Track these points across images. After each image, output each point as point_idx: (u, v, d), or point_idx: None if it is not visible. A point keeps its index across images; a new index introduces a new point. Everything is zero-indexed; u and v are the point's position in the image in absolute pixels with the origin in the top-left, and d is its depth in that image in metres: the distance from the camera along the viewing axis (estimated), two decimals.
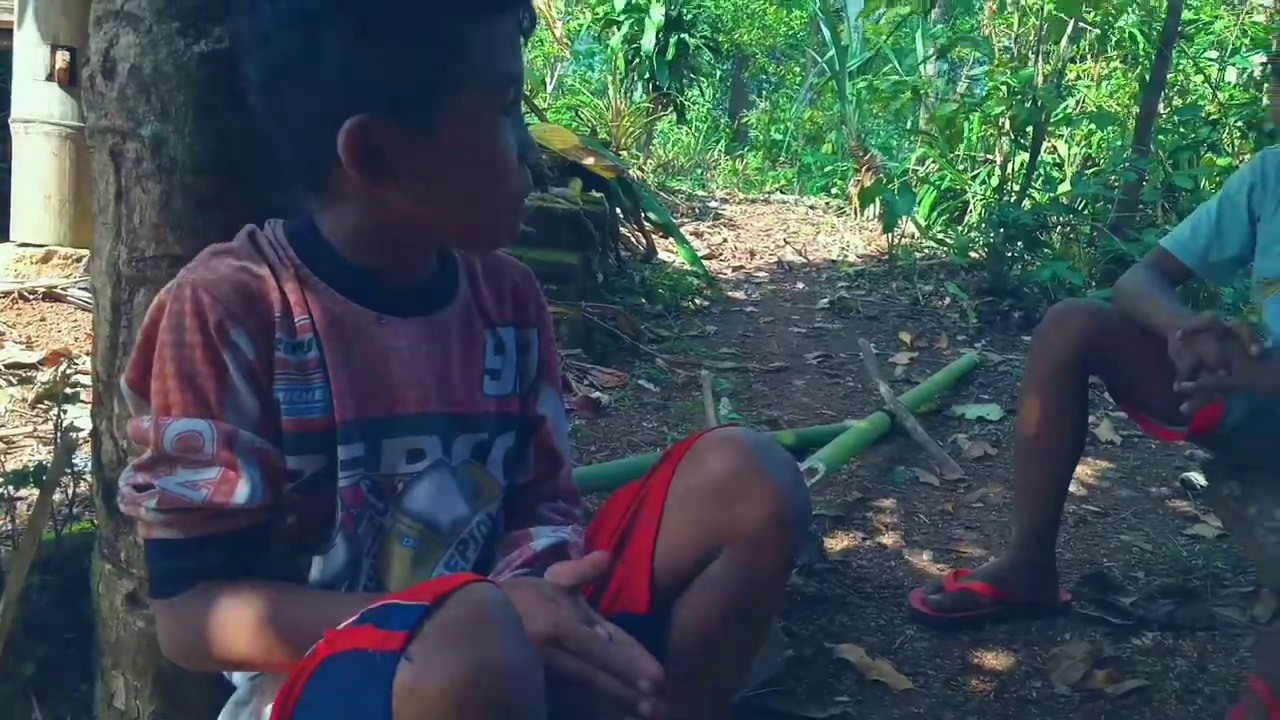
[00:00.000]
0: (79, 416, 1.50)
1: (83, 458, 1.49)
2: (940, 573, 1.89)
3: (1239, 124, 4.74)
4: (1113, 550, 2.02)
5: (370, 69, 0.80)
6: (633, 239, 4.82)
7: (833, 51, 6.22)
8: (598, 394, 2.73)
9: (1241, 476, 1.69)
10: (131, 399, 0.89)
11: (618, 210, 4.41)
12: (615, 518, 1.06)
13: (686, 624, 1.01)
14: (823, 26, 6.84)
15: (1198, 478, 2.27)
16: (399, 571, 0.93)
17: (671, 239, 4.69)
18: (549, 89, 6.81)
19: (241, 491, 0.82)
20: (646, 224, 4.60)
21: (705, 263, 5.01)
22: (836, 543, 2.02)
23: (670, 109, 6.73)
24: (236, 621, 0.81)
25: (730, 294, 4.41)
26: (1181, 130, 4.75)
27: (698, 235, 5.81)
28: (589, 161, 3.74)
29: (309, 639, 0.74)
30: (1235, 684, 1.50)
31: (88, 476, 1.40)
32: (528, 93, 4.92)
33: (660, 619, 1.02)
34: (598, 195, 3.93)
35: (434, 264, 0.97)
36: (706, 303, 4.16)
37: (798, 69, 10.58)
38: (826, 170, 7.81)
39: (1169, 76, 5.29)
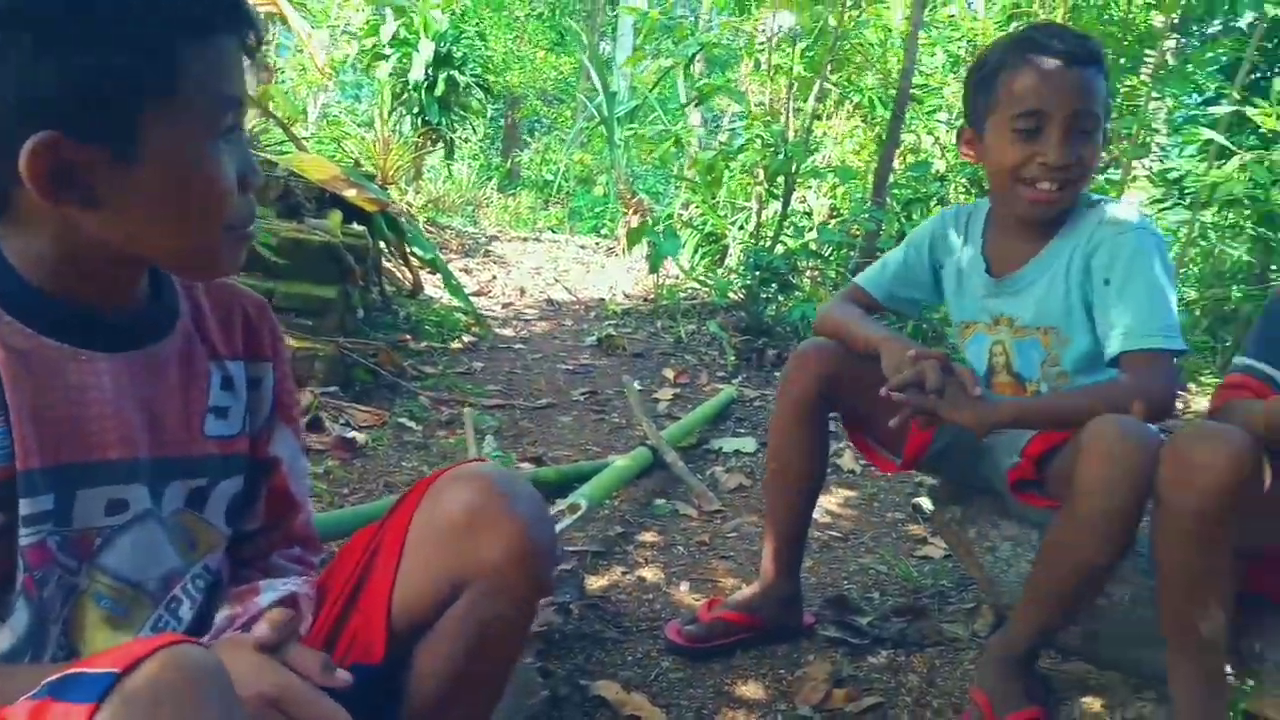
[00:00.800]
0: None
1: None
2: (696, 603, 1.93)
3: (963, 180, 5.27)
4: (853, 573, 2.14)
5: (57, 81, 0.71)
6: (399, 274, 4.70)
7: (602, 98, 6.38)
8: (354, 433, 2.62)
9: (962, 501, 1.85)
10: None
11: (382, 244, 4.29)
12: (350, 563, 1.01)
13: (428, 669, 0.97)
14: (592, 73, 7.01)
15: (926, 503, 2.46)
16: (96, 637, 0.82)
17: (440, 275, 4.61)
18: (311, 119, 6.54)
19: None
20: (413, 259, 4.50)
21: (474, 300, 4.96)
22: (597, 578, 2.03)
23: (440, 145, 6.65)
24: None
25: (499, 331, 4.38)
26: (914, 185, 5.21)
27: (467, 272, 5.75)
28: (350, 193, 3.61)
29: None
30: (960, 695, 1.61)
31: None
32: (285, 121, 4.71)
33: (400, 666, 0.97)
34: (359, 228, 3.80)
35: (145, 293, 0.89)
36: (474, 339, 4.10)
37: (569, 113, 10.77)
38: (597, 211, 7.97)
39: (903, 136, 5.82)
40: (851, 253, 4.83)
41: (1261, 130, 4.25)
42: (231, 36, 0.80)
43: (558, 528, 1.99)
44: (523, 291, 5.37)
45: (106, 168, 0.75)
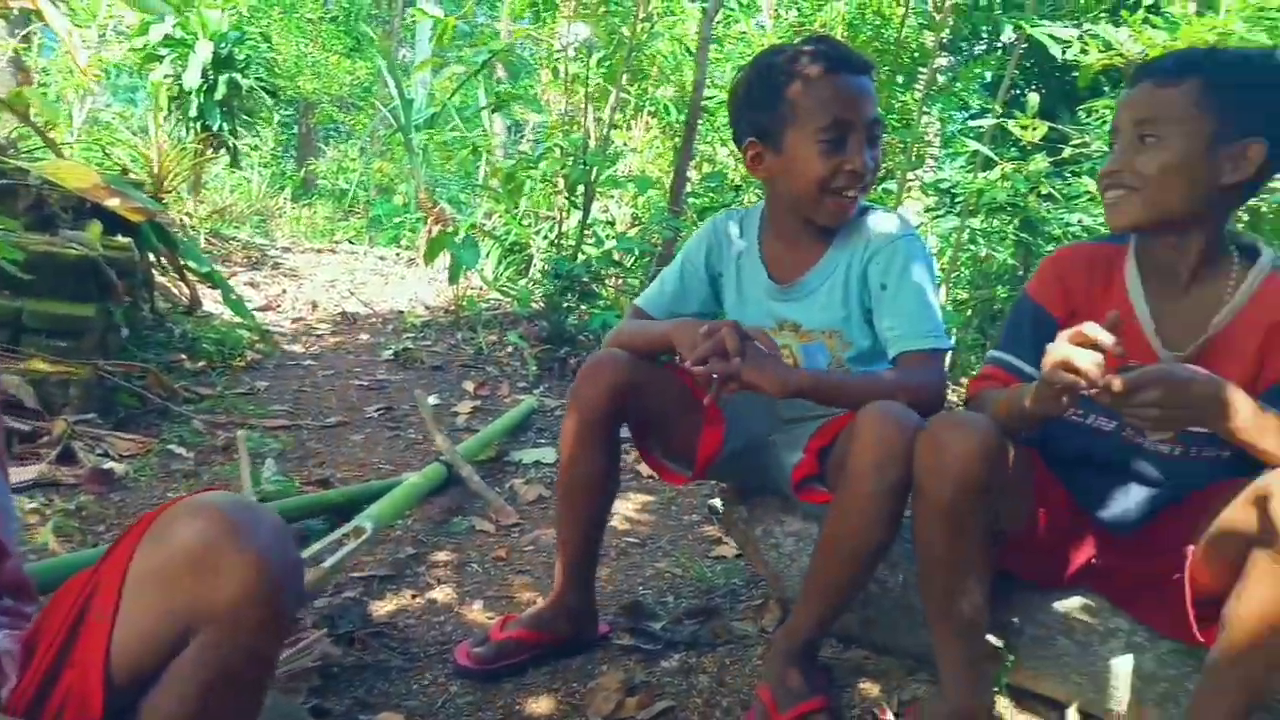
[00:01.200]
0: None
1: None
2: (490, 621, 1.87)
3: (757, 191, 5.45)
4: (649, 578, 2.14)
5: None
6: (174, 289, 4.38)
7: (398, 104, 6.18)
8: (112, 464, 2.39)
9: (748, 501, 1.88)
10: None
11: (154, 257, 3.98)
12: (62, 611, 0.89)
13: None
14: (388, 79, 6.80)
15: (718, 504, 2.50)
16: None
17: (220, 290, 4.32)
18: (76, 124, 6.01)
19: None
20: (189, 273, 4.20)
21: (262, 315, 4.68)
22: (384, 604, 1.93)
23: (223, 152, 6.26)
24: None
25: (287, 347, 4.15)
26: (711, 194, 5.34)
27: (254, 286, 5.43)
28: (113, 203, 3.31)
29: None
30: (748, 692, 1.62)
31: None
32: (43, 126, 4.30)
33: None
34: (124, 240, 3.50)
35: None
36: (259, 357, 3.86)
37: (366, 119, 10.43)
38: (397, 222, 7.73)
39: (699, 146, 5.96)
40: (651, 261, 4.88)
41: (1021, 142, 4.60)
42: None
43: (341, 553, 1.88)
44: (315, 305, 5.12)
45: None
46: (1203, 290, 1.40)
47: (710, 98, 5.71)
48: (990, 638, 1.55)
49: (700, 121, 5.09)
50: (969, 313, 5.03)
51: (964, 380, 4.28)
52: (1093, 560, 1.51)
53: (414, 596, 1.98)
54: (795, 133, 1.57)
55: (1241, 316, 1.36)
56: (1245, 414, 1.20)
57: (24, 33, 6.19)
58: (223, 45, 5.99)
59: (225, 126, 6.06)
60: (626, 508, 2.55)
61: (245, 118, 6.47)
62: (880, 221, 1.63)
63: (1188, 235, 1.38)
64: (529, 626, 1.72)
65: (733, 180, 5.56)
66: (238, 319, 3.92)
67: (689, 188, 5.26)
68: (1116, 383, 1.16)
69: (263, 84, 6.35)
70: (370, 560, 2.13)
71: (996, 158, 5.14)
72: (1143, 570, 1.44)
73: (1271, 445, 1.20)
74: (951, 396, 4.14)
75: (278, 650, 0.93)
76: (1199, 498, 1.34)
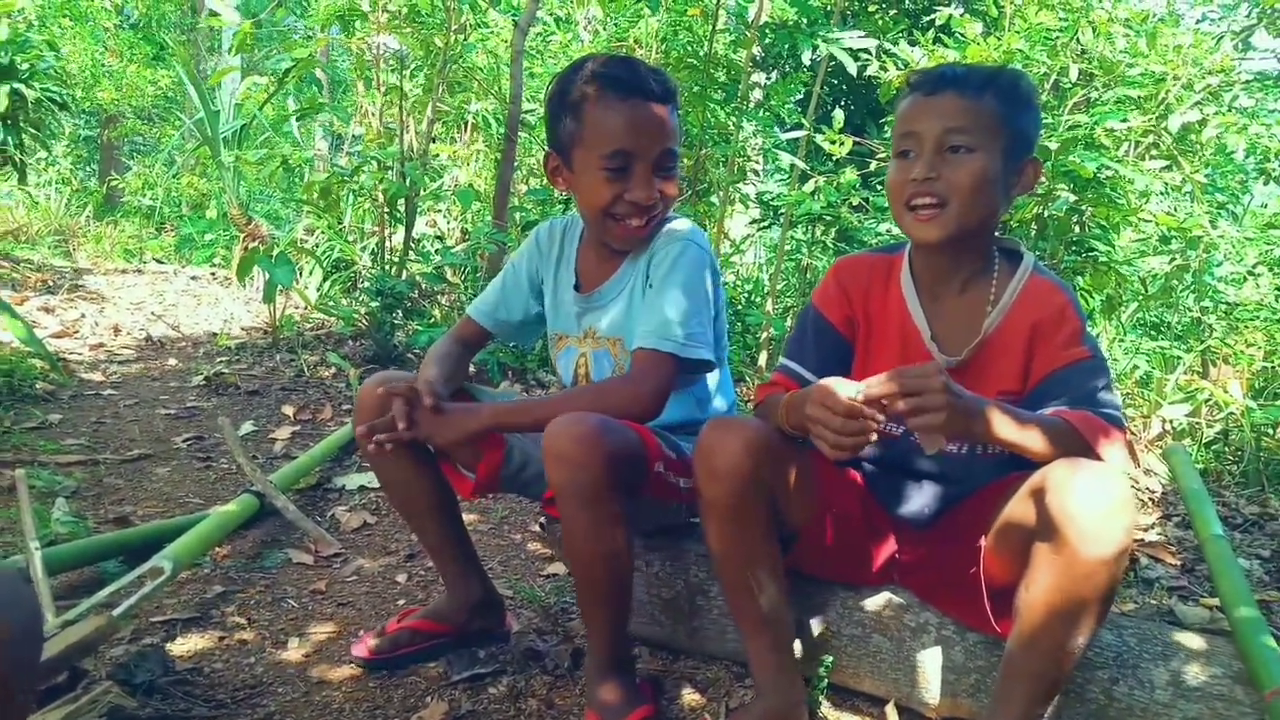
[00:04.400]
0: None
1: None
2: (305, 659, 1.78)
3: None
4: None
5: None
6: None
7: (203, 115, 5.86)
8: None
9: None
10: None
11: None
12: None
13: None
14: (190, 90, 6.43)
15: (544, 520, 2.47)
16: None
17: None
18: None
19: None
20: None
21: (56, 341, 4.33)
22: (187, 647, 1.80)
23: (8, 168, 5.75)
24: None
25: (85, 376, 3.85)
26: (537, 207, 5.31)
27: (49, 311, 5.02)
28: None
29: None
30: (579, 714, 1.60)
31: None
32: None
33: None
34: None
35: None
36: (51, 388, 3.56)
37: (173, 132, 9.84)
38: (210, 239, 7.32)
39: (525, 159, 5.93)
40: (480, 276, 4.81)
41: (833, 156, 4.79)
42: None
43: (137, 596, 1.74)
44: (118, 330, 4.78)
45: None
46: (972, 295, 1.48)
47: (530, 111, 5.69)
48: (807, 639, 1.59)
49: (522, 134, 5.06)
50: (793, 321, 5.19)
51: None
52: (896, 555, 1.58)
53: (221, 639, 1.85)
54: (583, 154, 1.57)
55: (1009, 318, 1.44)
56: (1006, 424, 1.25)
57: None
58: (3, 54, 5.50)
59: (10, 140, 5.56)
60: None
61: (33, 131, 5.96)
62: (670, 226, 1.65)
63: (968, 244, 1.45)
64: (427, 618, 1.78)
65: (560, 194, 5.56)
66: (26, 347, 3.60)
67: (515, 201, 5.22)
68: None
69: (51, 95, 5.87)
70: (173, 603, 1.99)
71: (810, 171, 5.35)
72: (942, 564, 1.51)
73: (1038, 446, 1.26)
74: None
75: (11, 712, 0.84)
76: (988, 492, 1.41)
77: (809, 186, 5.27)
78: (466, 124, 5.76)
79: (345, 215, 5.85)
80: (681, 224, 1.65)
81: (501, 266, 4.83)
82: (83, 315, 5.00)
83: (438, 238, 5.79)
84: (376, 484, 2.80)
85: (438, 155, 5.67)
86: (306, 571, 2.22)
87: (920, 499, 1.54)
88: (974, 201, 1.37)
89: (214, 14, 5.14)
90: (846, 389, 1.23)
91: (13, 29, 5.57)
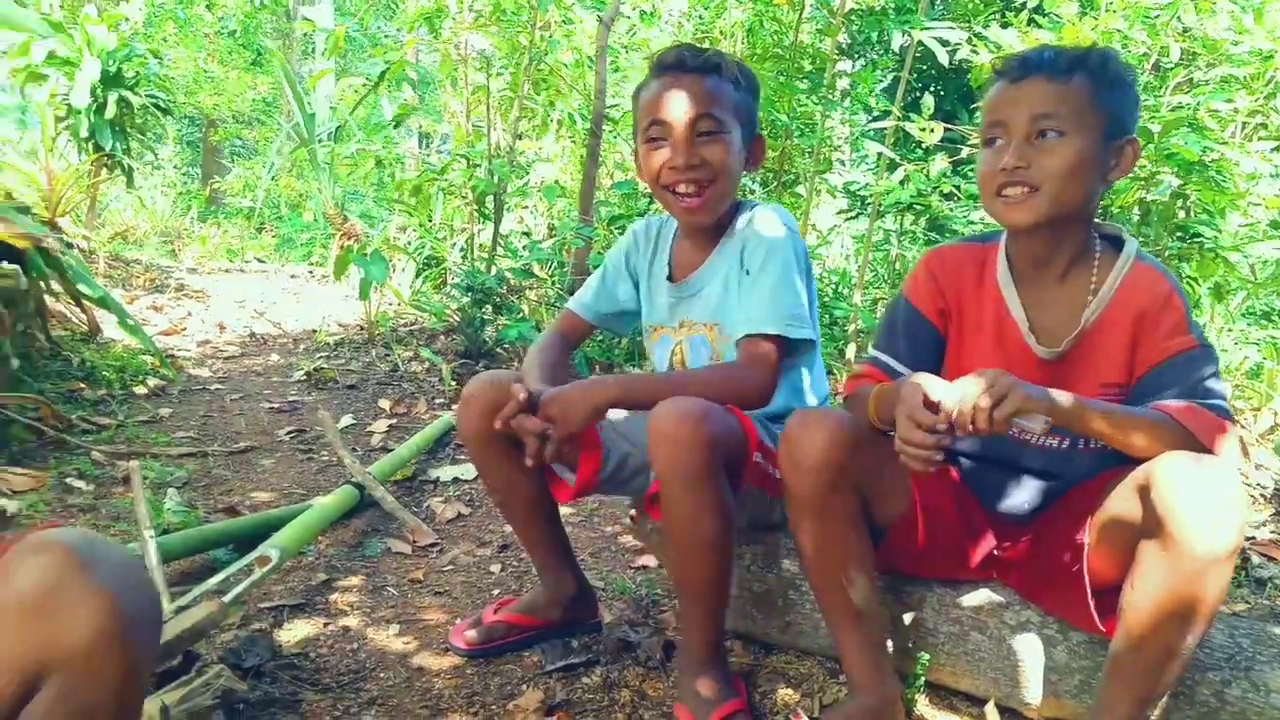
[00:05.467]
0: None
1: None
2: (407, 647, 1.84)
3: None
4: None
5: None
6: (72, 316, 4.20)
7: (300, 119, 6.05)
8: (4, 501, 2.27)
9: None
10: None
11: (47, 284, 3.80)
12: None
13: None
14: (288, 93, 6.65)
15: (634, 513, 2.49)
16: None
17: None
18: None
19: None
20: (85, 299, 4.03)
21: (166, 339, 4.53)
22: (294, 633, 1.87)
23: (117, 172, 6.03)
24: None
25: (193, 372, 4.02)
26: (622, 202, 5.34)
27: (158, 309, 5.25)
28: None
29: None
30: (670, 704, 1.61)
31: None
32: None
33: None
34: (10, 268, 3.33)
35: None
36: (162, 383, 3.73)
37: (270, 135, 10.18)
38: (308, 239, 7.57)
39: (610, 155, 5.96)
40: (567, 270, 4.86)
41: (922, 144, 4.70)
42: None
43: (247, 583, 1.82)
44: (223, 327, 4.97)
45: None
46: (1072, 284, 1.43)
47: (614, 106, 5.72)
48: (902, 637, 1.57)
49: (606, 128, 5.09)
50: (882, 312, 5.11)
51: None
52: (995, 551, 1.54)
53: (325, 625, 1.92)
54: (638, 136, 1.64)
55: (1111, 307, 1.39)
56: (1104, 419, 1.22)
57: None
58: (111, 62, 5.77)
59: (119, 146, 5.84)
60: None
61: (140, 136, 6.24)
62: (759, 213, 1.67)
63: (1066, 230, 1.40)
64: (523, 611, 1.82)
65: (645, 188, 5.57)
66: (139, 345, 3.78)
67: (601, 195, 5.26)
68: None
69: (155, 101, 6.14)
70: (279, 589, 2.07)
71: (899, 159, 5.25)
72: (1044, 561, 1.48)
73: (1140, 442, 1.23)
74: None
75: (137, 692, 0.88)
76: (1091, 487, 1.37)
77: (898, 175, 5.18)
78: (552, 121, 5.82)
79: (435, 213, 5.97)
80: (770, 210, 1.66)
81: (588, 261, 4.88)
82: (189, 313, 5.22)
83: (524, 233, 5.87)
84: (470, 477, 2.87)
85: (523, 152, 5.75)
86: (405, 561, 2.29)
87: (1020, 494, 1.51)
88: (1067, 186, 1.33)
89: (307, 20, 5.30)
90: (937, 392, 1.21)
91: (120, 38, 5.83)
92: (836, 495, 1.34)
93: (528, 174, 5.94)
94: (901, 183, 5.14)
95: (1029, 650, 1.52)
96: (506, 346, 4.22)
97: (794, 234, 1.63)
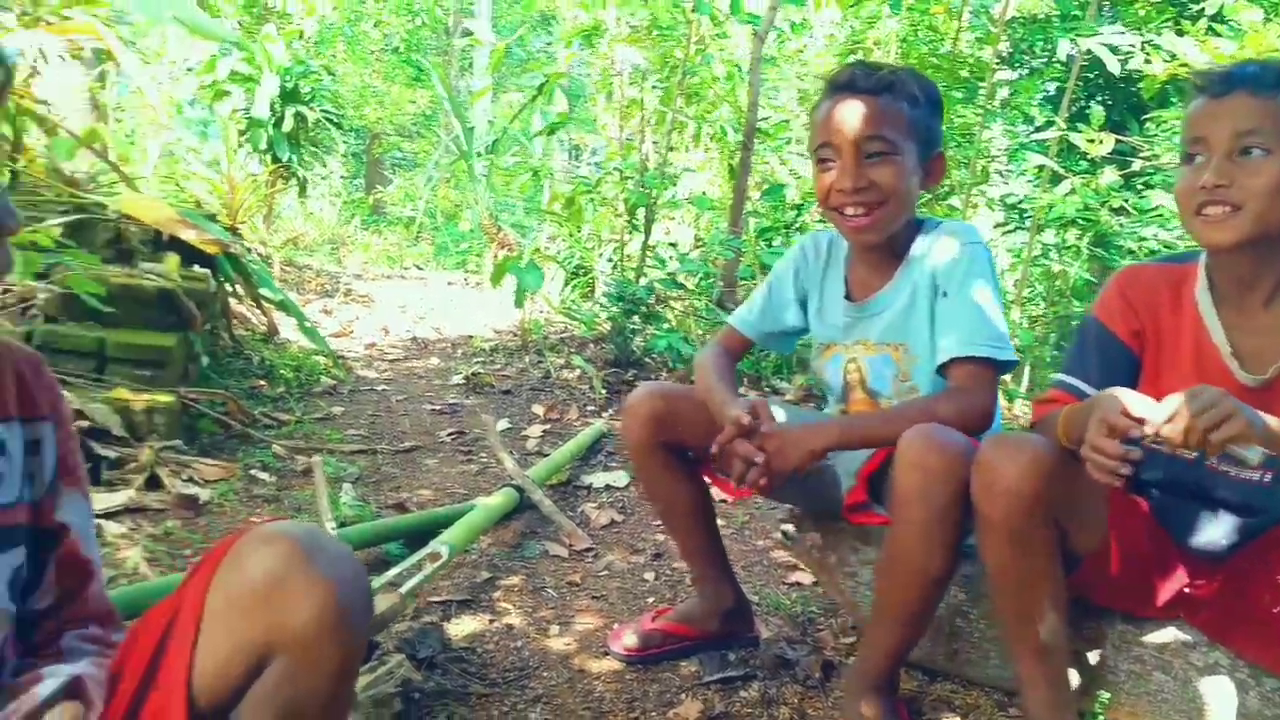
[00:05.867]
0: None
1: None
2: (567, 648, 1.88)
3: (819, 209, 5.42)
4: None
5: None
6: (252, 318, 4.50)
7: (459, 132, 6.29)
8: (197, 490, 2.45)
9: (820, 527, 1.86)
10: None
11: (231, 287, 4.09)
12: (146, 638, 0.91)
13: None
14: (448, 107, 6.92)
15: (791, 529, 2.47)
16: None
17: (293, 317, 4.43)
18: (151, 159, 6.22)
19: None
20: (265, 301, 4.31)
21: (336, 341, 4.79)
22: (462, 628, 1.94)
23: (292, 182, 6.43)
24: None
25: (361, 372, 4.23)
26: (770, 213, 5.33)
27: (328, 312, 5.56)
28: (189, 235, 3.43)
29: None
30: None
31: None
32: (118, 162, 4.46)
33: None
34: (201, 272, 3.60)
35: None
36: (334, 382, 3.95)
37: (429, 147, 10.63)
38: (463, 247, 7.86)
39: (758, 166, 5.95)
40: (714, 282, 4.88)
41: (1088, 155, 4.51)
42: None
43: (419, 577, 1.90)
44: (387, 331, 5.22)
45: None
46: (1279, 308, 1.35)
47: (765, 118, 5.71)
48: (1078, 671, 1.51)
49: (757, 141, 5.09)
50: (1041, 330, 4.93)
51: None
52: (1185, 589, 1.47)
53: (490, 621, 1.99)
54: (811, 154, 1.63)
55: None
56: None
57: (98, 71, 6.44)
58: (288, 78, 6.16)
59: (293, 157, 6.22)
60: None
61: (312, 148, 6.63)
62: (947, 232, 1.62)
63: (1273, 251, 1.33)
64: (679, 620, 1.85)
65: (793, 200, 5.54)
66: (313, 345, 4.01)
67: (749, 206, 5.26)
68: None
69: (328, 115, 6.51)
70: (447, 585, 2.16)
71: (1064, 171, 5.05)
72: (1240, 601, 1.39)
73: None
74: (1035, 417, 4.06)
75: (352, 676, 0.94)
76: None
77: (1062, 189, 4.97)
78: (701, 133, 5.86)
79: (585, 223, 6.10)
80: (960, 229, 1.61)
81: (736, 273, 4.87)
82: (356, 317, 5.50)
83: (670, 244, 5.94)
84: (621, 484, 2.92)
85: (671, 164, 5.82)
86: (562, 564, 2.34)
87: (1215, 529, 1.43)
88: (1272, 205, 1.26)
89: (468, 32, 5.52)
90: (1140, 407, 1.16)
91: (295, 56, 6.21)
92: (1033, 524, 1.30)
93: (675, 186, 6.01)
94: (1066, 196, 4.93)
95: (1218, 694, 1.43)
96: (654, 356, 4.28)
97: (987, 252, 1.59)
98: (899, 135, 1.54)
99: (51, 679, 0.84)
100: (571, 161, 9.15)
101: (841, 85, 1.57)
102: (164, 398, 2.76)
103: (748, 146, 4.64)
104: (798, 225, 5.39)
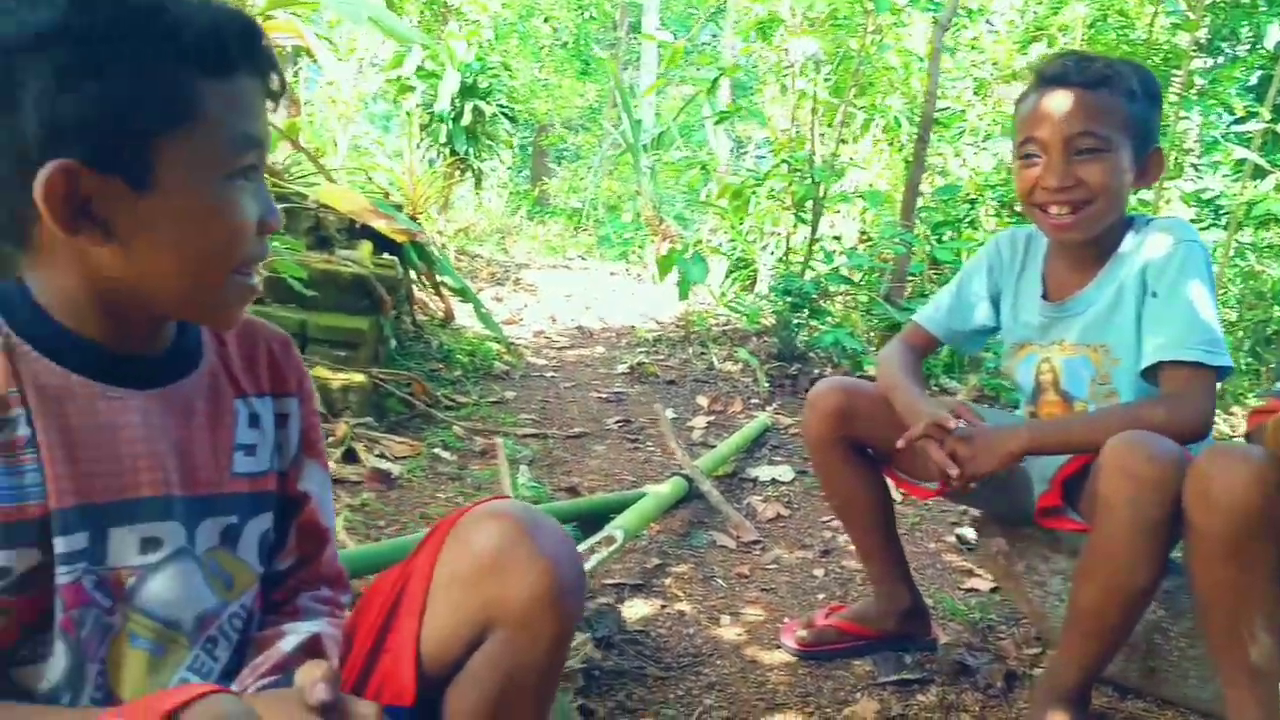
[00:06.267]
0: None
1: None
2: (738, 638, 1.90)
3: (993, 202, 5.23)
4: None
5: (76, 111, 0.71)
6: (430, 304, 4.72)
7: (626, 125, 6.39)
8: (389, 465, 2.60)
9: (1007, 533, 1.80)
10: None
11: (413, 274, 4.30)
12: (377, 603, 0.98)
13: (460, 712, 0.94)
14: (619, 100, 7.04)
15: (970, 533, 2.41)
16: (134, 678, 0.81)
17: (470, 304, 4.62)
18: (341, 151, 6.61)
19: None
20: (444, 288, 4.51)
21: (506, 328, 4.96)
22: (635, 611, 1.99)
23: (468, 174, 6.70)
24: None
25: (531, 359, 4.38)
26: (943, 207, 5.17)
27: (498, 300, 5.76)
28: (380, 224, 3.63)
29: None
30: None
31: None
32: (314, 153, 4.75)
33: (431, 709, 0.95)
34: (389, 259, 3.81)
35: (172, 330, 0.88)
36: (506, 368, 4.10)
37: (594, 140, 10.83)
38: (625, 238, 7.99)
39: (930, 159, 5.78)
40: (882, 276, 4.78)
41: None
42: (253, 78, 0.80)
43: (595, 560, 1.96)
44: (554, 319, 5.37)
45: (122, 200, 0.75)
46: None
47: (943, 109, 5.53)
48: None
49: (931, 133, 4.95)
50: (1240, 334, 4.60)
51: (1235, 409, 3.91)
52: None
53: (662, 607, 2.03)
54: (1015, 148, 1.58)
55: None
56: None
57: (294, 69, 6.87)
58: (468, 75, 6.41)
59: (470, 150, 6.48)
60: None
61: (488, 142, 6.88)
62: (1160, 229, 1.54)
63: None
64: (854, 619, 1.84)
65: (967, 193, 5.36)
66: (487, 331, 4.17)
67: (921, 201, 5.12)
68: None
69: (504, 110, 6.74)
70: (619, 568, 2.21)
71: (1270, 166, 4.69)
72: None
73: None
74: (1223, 426, 3.80)
75: (566, 650, 0.98)
76: None
77: (1267, 184, 4.63)
78: (871, 125, 5.75)
79: (747, 216, 6.09)
80: (1172, 226, 1.53)
81: (907, 267, 4.75)
82: (525, 305, 5.69)
83: (835, 238, 5.85)
84: (787, 479, 2.91)
85: (839, 156, 5.72)
86: (729, 555, 2.36)
87: None
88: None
89: (636, 27, 5.60)
90: None
91: (478, 53, 6.46)
92: (1253, 541, 1.23)
93: (843, 178, 5.91)
94: (1271, 192, 4.60)
95: None
96: (819, 351, 4.23)
97: (1204, 250, 1.50)
98: (1113, 131, 1.47)
99: (293, 635, 0.91)
100: (734, 155, 9.14)
101: (1052, 77, 1.51)
102: (357, 377, 2.94)
103: (923, 138, 4.52)
104: (970, 219, 5.22)
